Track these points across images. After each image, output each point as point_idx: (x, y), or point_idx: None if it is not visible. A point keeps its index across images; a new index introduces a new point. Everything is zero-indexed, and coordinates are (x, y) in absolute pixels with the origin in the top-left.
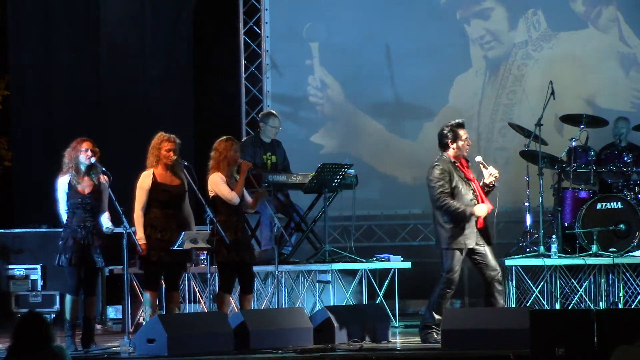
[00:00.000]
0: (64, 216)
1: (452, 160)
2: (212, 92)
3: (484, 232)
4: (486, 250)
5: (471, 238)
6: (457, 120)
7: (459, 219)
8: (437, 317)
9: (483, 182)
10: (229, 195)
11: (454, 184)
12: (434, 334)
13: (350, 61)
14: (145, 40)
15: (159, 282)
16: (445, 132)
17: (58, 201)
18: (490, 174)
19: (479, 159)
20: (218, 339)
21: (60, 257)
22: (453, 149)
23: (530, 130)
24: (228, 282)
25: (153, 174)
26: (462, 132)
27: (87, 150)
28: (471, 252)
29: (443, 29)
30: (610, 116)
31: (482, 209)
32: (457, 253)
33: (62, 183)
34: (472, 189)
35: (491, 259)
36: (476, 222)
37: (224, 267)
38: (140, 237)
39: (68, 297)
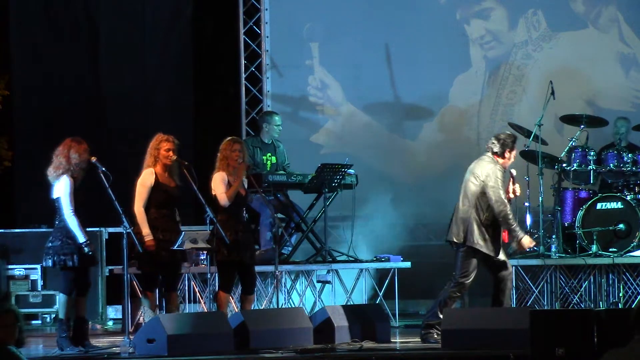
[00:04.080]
0: (74, 221)
1: (504, 169)
2: (212, 92)
3: None
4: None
5: (502, 247)
6: (513, 134)
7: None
8: (437, 316)
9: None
10: (220, 196)
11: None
12: (435, 334)
13: (350, 61)
14: (145, 40)
15: (157, 283)
16: (508, 140)
17: (68, 203)
18: (514, 189)
19: (513, 172)
20: (218, 339)
21: (66, 258)
22: (507, 158)
23: (530, 130)
24: (227, 282)
25: (155, 172)
26: (516, 146)
27: (86, 152)
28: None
29: (443, 29)
30: (610, 116)
31: (527, 242)
32: (479, 255)
33: (68, 183)
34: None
35: (506, 259)
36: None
37: (223, 267)
38: (147, 233)
39: (62, 297)
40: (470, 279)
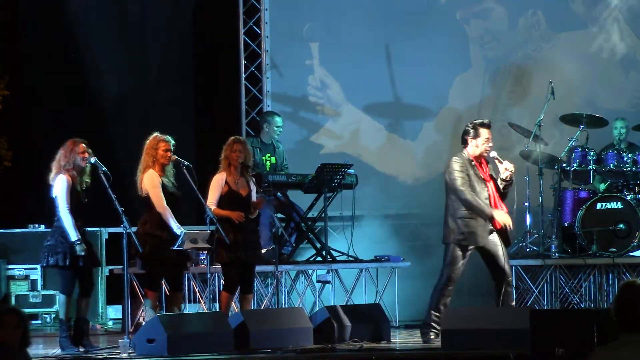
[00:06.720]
0: (68, 218)
1: (470, 158)
2: (212, 92)
3: (503, 233)
4: (499, 252)
5: (483, 236)
6: (483, 120)
7: (475, 215)
8: (434, 314)
9: (500, 177)
10: (210, 202)
11: (470, 181)
12: (431, 333)
13: (350, 61)
14: (145, 40)
15: (161, 282)
16: (467, 128)
17: (64, 201)
18: (505, 168)
19: (493, 154)
20: (218, 339)
21: (58, 257)
22: (472, 146)
23: (530, 130)
24: (230, 283)
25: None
26: (484, 131)
27: (84, 152)
28: (483, 251)
29: (443, 29)
30: (610, 116)
31: (502, 216)
32: (460, 249)
33: (64, 181)
34: (486, 189)
35: (503, 263)
36: (493, 223)
37: (225, 268)
38: (177, 228)
39: (62, 297)
40: (457, 273)
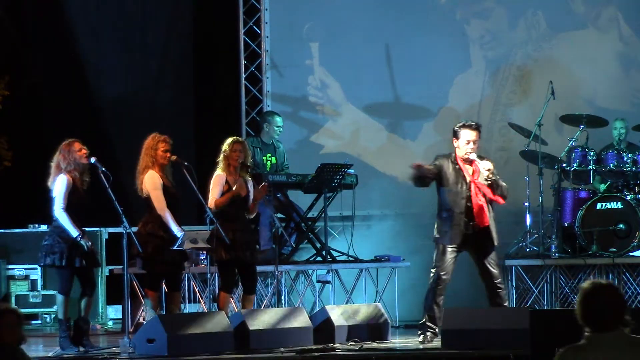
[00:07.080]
0: (64, 216)
1: (454, 158)
2: (212, 93)
3: (488, 232)
4: (485, 253)
5: (456, 236)
6: (465, 121)
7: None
8: (429, 314)
9: (484, 178)
10: (210, 200)
11: (444, 176)
12: (429, 333)
13: (350, 61)
14: (145, 40)
15: (161, 282)
16: (454, 129)
17: (61, 200)
18: (483, 167)
19: (473, 156)
20: (218, 339)
21: (55, 257)
22: (456, 147)
23: (530, 130)
24: (227, 282)
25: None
26: (465, 133)
27: (81, 149)
28: (471, 252)
29: (443, 29)
30: (610, 116)
31: (413, 165)
32: (442, 248)
33: (65, 181)
34: (468, 189)
35: (491, 266)
36: (475, 222)
37: (222, 267)
38: (177, 229)
39: (60, 297)
40: (446, 272)
